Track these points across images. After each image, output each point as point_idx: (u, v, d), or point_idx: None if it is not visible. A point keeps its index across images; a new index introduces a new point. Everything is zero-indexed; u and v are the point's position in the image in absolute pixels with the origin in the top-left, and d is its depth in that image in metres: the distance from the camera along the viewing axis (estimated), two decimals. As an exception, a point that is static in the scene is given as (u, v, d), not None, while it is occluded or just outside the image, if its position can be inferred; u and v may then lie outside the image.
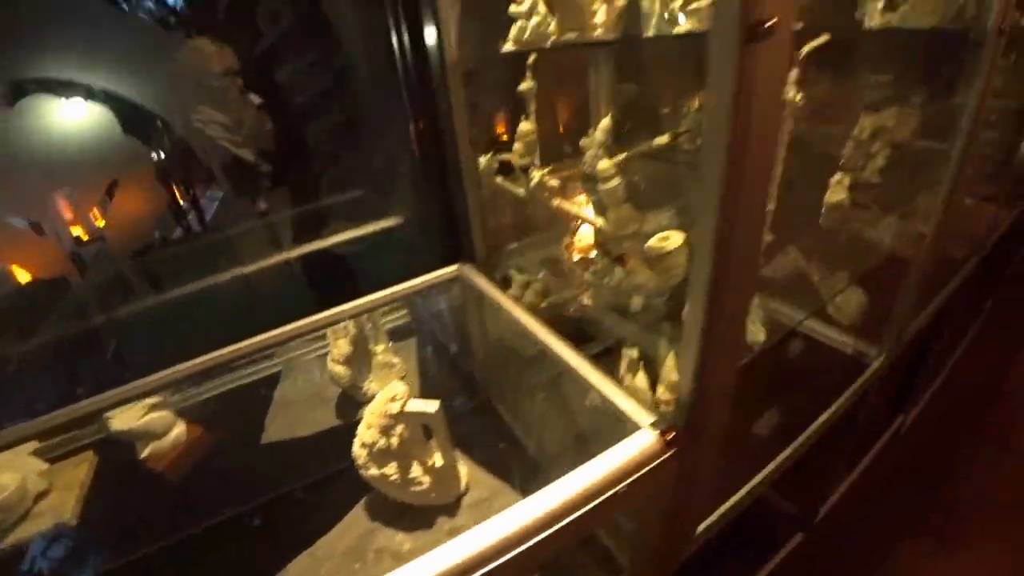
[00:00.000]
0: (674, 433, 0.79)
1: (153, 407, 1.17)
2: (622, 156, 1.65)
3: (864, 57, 1.54)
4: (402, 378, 1.42)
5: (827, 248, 1.43)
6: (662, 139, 1.52)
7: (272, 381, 1.43)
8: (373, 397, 1.38)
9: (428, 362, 1.48)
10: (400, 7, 1.13)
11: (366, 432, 1.07)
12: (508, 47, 1.28)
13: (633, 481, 0.76)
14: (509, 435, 1.32)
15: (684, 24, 1.10)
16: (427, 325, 1.56)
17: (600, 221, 1.24)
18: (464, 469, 1.20)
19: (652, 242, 1.07)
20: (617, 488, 0.73)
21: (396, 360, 1.40)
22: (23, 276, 1.17)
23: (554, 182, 1.16)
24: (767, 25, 0.57)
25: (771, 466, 1.31)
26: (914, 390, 2.17)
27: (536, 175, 1.14)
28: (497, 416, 1.37)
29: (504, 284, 1.42)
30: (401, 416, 1.04)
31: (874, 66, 1.59)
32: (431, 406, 1.05)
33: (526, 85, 1.50)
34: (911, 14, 1.34)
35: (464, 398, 1.38)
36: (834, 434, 1.72)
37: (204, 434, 1.25)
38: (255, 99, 1.36)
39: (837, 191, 1.33)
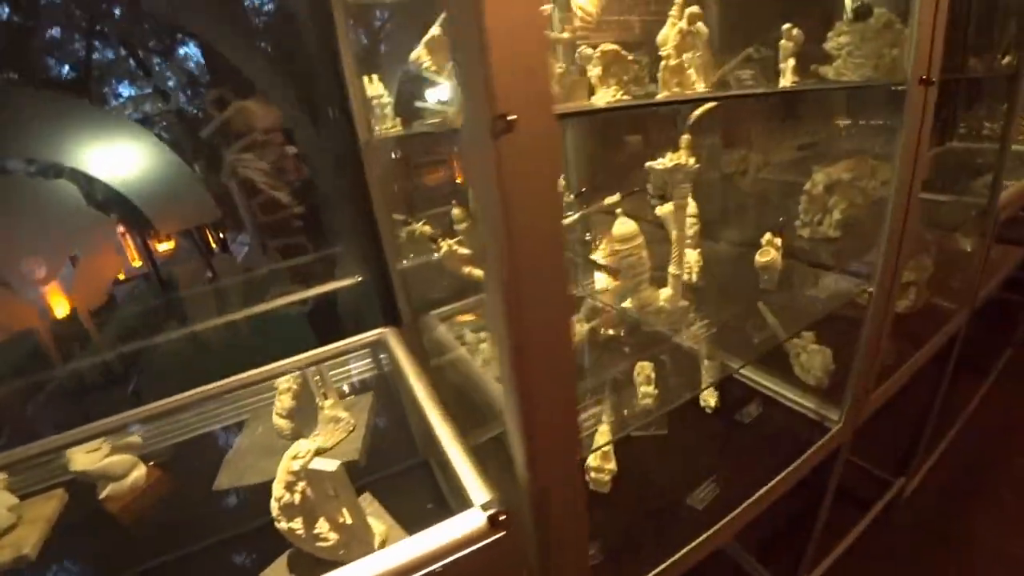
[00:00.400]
0: (504, 516, 0.75)
1: (116, 449, 1.26)
2: (575, 215, 1.64)
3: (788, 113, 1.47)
4: (349, 432, 1.44)
5: (776, 308, 1.34)
6: (613, 199, 1.51)
7: (239, 428, 1.50)
8: (320, 451, 1.42)
9: (379, 418, 1.49)
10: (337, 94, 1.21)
11: (276, 486, 1.10)
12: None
13: (458, 559, 0.73)
14: (439, 496, 1.30)
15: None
16: (383, 381, 1.59)
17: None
18: (383, 527, 1.19)
19: None
20: (434, 566, 0.71)
21: (344, 415, 1.42)
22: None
23: (464, 250, 1.17)
24: (509, 119, 0.57)
25: (702, 537, 1.20)
26: (917, 450, 1.93)
27: (444, 244, 1.16)
28: (432, 476, 1.35)
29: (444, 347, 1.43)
30: (302, 473, 1.06)
31: (800, 121, 1.51)
32: (330, 466, 1.06)
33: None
34: (843, 67, 1.28)
35: (403, 456, 1.38)
36: (803, 500, 1.56)
37: (163, 478, 1.32)
38: (292, 149, 1.50)
39: (766, 252, 1.25)
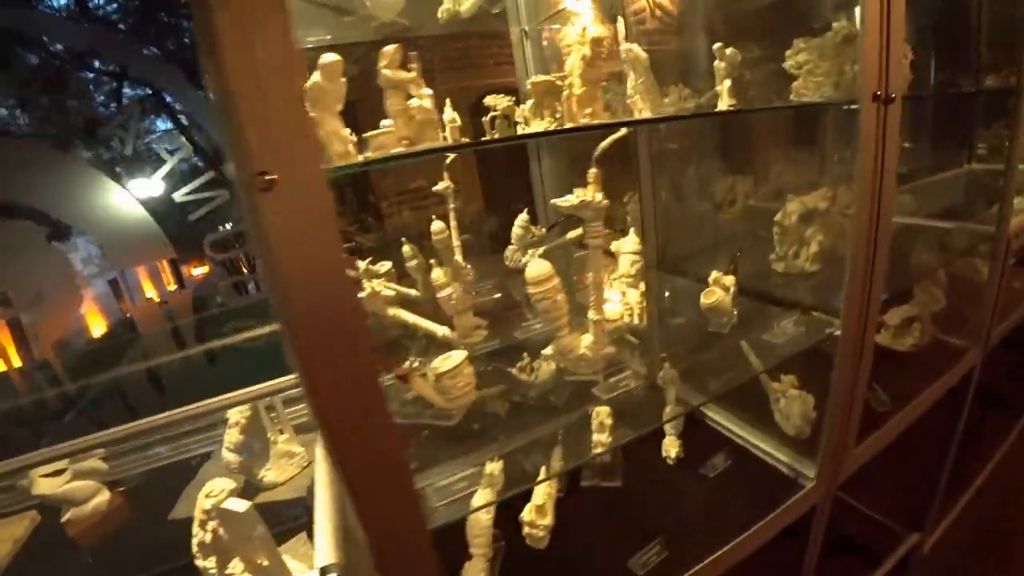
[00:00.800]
0: (342, 583, 0.68)
1: (78, 474, 1.30)
2: (540, 250, 1.55)
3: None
4: (304, 468, 1.42)
5: (723, 356, 1.20)
6: (575, 232, 1.42)
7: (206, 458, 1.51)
8: (271, 485, 1.40)
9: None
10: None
11: (194, 524, 1.09)
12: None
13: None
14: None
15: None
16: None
17: (442, 330, 1.17)
18: (307, 570, 1.15)
19: (436, 361, 0.98)
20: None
21: (299, 450, 1.39)
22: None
23: (387, 291, 1.12)
24: (268, 177, 0.52)
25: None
26: (932, 502, 1.65)
27: (368, 286, 1.12)
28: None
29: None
30: (213, 512, 1.04)
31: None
32: (241, 506, 1.03)
33: (443, 185, 1.49)
34: (802, 87, 1.15)
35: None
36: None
37: (124, 505, 1.35)
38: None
39: (711, 292, 1.12)
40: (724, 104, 1.02)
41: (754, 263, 1.41)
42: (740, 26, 1.61)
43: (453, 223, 1.50)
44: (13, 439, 1.39)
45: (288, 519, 1.23)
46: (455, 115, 1.19)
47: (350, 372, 0.59)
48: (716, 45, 1.01)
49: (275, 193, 0.50)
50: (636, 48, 1.06)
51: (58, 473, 1.28)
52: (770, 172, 1.60)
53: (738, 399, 1.42)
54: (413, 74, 0.74)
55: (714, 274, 1.12)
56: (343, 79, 0.85)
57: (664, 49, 1.71)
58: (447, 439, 1.20)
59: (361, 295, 1.11)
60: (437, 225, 1.38)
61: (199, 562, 1.08)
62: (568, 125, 0.92)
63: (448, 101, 1.19)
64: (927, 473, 1.64)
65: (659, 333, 1.38)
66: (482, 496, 1.07)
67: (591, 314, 0.99)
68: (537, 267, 0.96)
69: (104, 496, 1.31)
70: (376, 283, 1.10)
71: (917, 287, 1.49)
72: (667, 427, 1.36)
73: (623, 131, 0.89)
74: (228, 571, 1.07)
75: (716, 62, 1.02)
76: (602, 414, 1.21)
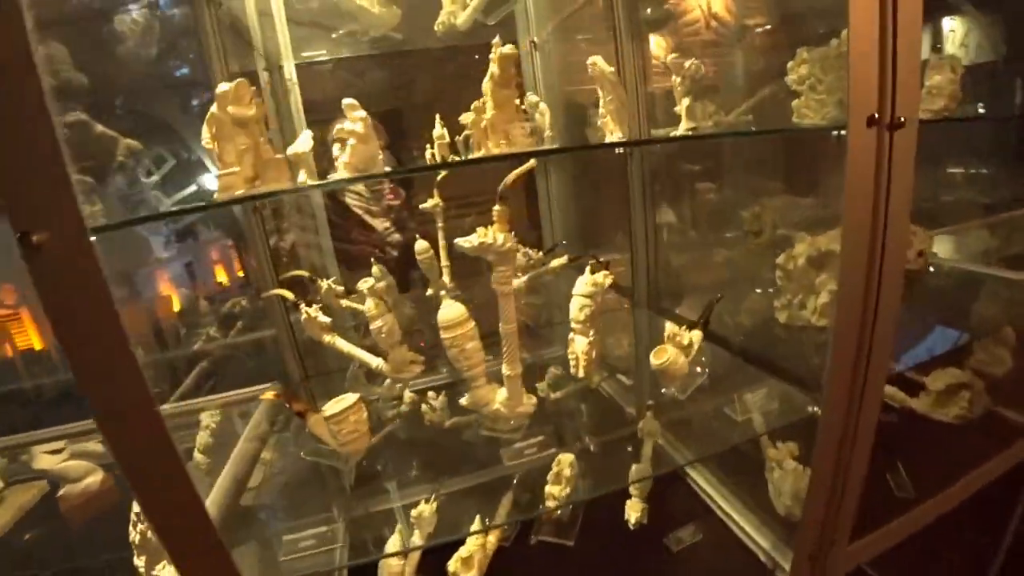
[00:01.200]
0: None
1: (75, 454, 1.39)
2: (524, 278, 1.44)
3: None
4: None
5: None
6: (559, 261, 1.30)
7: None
8: (239, 486, 1.41)
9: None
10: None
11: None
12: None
13: None
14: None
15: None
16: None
17: (377, 362, 1.09)
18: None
19: (330, 403, 0.90)
20: None
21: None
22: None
23: (324, 318, 1.06)
24: (34, 239, 0.47)
25: None
26: None
27: (304, 311, 1.07)
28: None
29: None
30: (141, 515, 1.05)
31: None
32: (165, 518, 1.04)
33: (431, 203, 1.41)
34: (804, 105, 0.93)
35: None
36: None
37: (114, 488, 1.43)
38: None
39: (661, 351, 0.93)
40: (683, 127, 0.85)
41: (757, 308, 1.19)
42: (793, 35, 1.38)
43: (441, 243, 1.42)
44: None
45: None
46: (444, 131, 1.12)
47: (140, 435, 0.54)
48: (670, 56, 0.83)
49: (41, 252, 0.46)
50: (601, 63, 0.91)
51: (58, 452, 1.39)
52: (794, 204, 1.36)
53: (727, 462, 1.21)
54: (253, 110, 0.67)
55: (669, 327, 0.94)
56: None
57: (723, 61, 1.51)
58: (386, 472, 1.14)
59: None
60: (421, 245, 1.30)
61: (135, 559, 1.11)
62: (475, 155, 0.80)
63: (438, 117, 1.12)
64: (973, 563, 1.30)
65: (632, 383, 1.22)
66: (395, 541, 1.00)
67: (504, 369, 0.86)
68: (448, 310, 0.85)
69: (97, 476, 1.38)
70: (309, 309, 1.05)
71: (977, 345, 1.18)
72: (632, 487, 1.20)
73: (532, 163, 0.76)
74: (155, 573, 1.09)
75: (673, 77, 0.84)
76: (564, 463, 1.08)
